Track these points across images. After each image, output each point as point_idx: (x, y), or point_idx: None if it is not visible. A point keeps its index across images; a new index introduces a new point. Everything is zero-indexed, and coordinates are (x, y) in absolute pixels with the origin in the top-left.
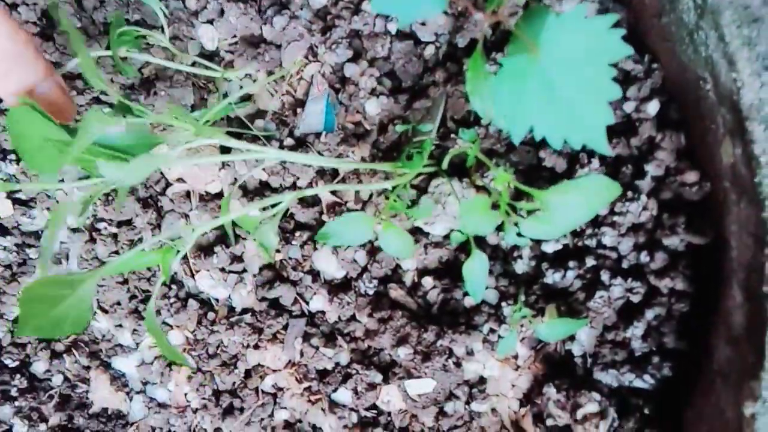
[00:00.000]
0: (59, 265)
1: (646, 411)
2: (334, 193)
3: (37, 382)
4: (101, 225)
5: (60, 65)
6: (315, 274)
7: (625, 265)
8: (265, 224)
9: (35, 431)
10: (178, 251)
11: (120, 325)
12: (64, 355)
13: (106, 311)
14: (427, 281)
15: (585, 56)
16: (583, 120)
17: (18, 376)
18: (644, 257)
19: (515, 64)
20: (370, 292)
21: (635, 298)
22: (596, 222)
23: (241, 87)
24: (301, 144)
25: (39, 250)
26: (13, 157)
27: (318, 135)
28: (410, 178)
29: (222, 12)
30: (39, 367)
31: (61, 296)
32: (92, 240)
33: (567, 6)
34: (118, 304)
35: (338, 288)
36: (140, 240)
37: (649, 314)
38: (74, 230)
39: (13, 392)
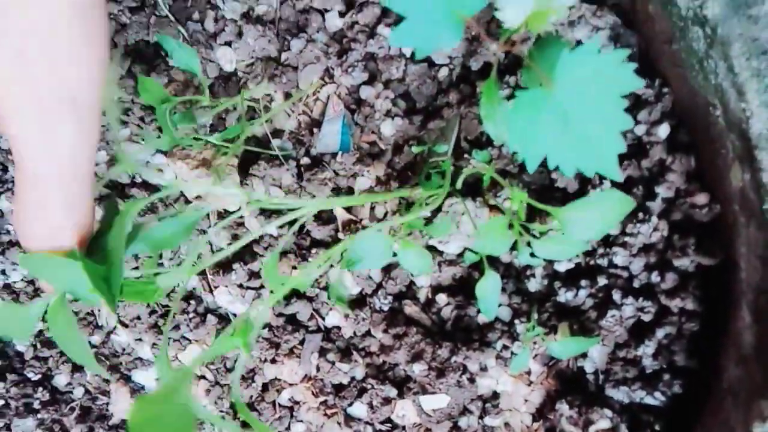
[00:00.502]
0: None
1: (656, 427)
2: (349, 210)
3: (59, 394)
4: None
5: None
6: (328, 288)
7: (636, 284)
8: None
9: None
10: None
11: (140, 339)
12: (86, 369)
13: (126, 326)
14: (441, 298)
15: (598, 89)
16: (595, 149)
17: (40, 389)
18: (655, 277)
19: (530, 96)
20: (385, 309)
21: (646, 317)
22: (608, 242)
23: (260, 108)
24: (318, 163)
25: None
26: None
27: (334, 155)
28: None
29: (240, 34)
30: (61, 380)
31: (164, 413)
32: None
33: (579, 33)
34: (138, 318)
35: (354, 304)
36: (159, 255)
37: (660, 333)
38: None
39: (36, 405)
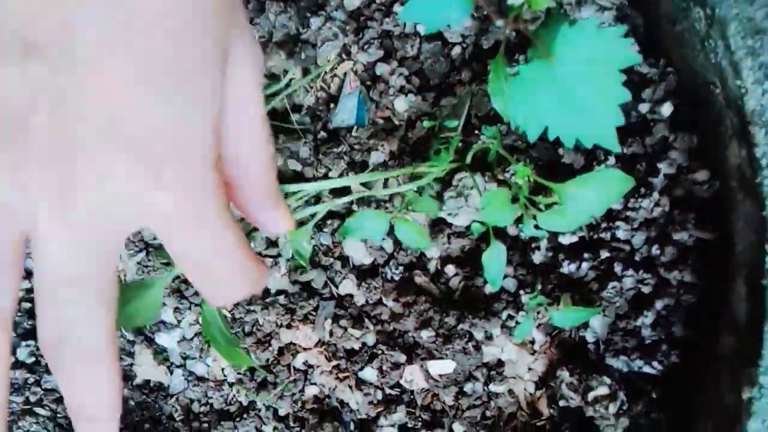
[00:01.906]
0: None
1: (654, 395)
2: (363, 184)
3: None
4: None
5: None
6: (344, 260)
7: (637, 257)
8: (299, 234)
9: None
10: None
11: (163, 304)
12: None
13: None
14: (450, 269)
15: (597, 63)
16: (594, 121)
17: None
18: (655, 250)
19: (531, 69)
20: (396, 278)
21: (646, 289)
22: (611, 216)
23: (284, 84)
24: (334, 137)
25: None
26: None
27: (350, 129)
28: (440, 174)
29: (262, 10)
30: None
31: (135, 296)
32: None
33: (586, 13)
34: None
35: (366, 273)
36: None
37: (659, 304)
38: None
39: None
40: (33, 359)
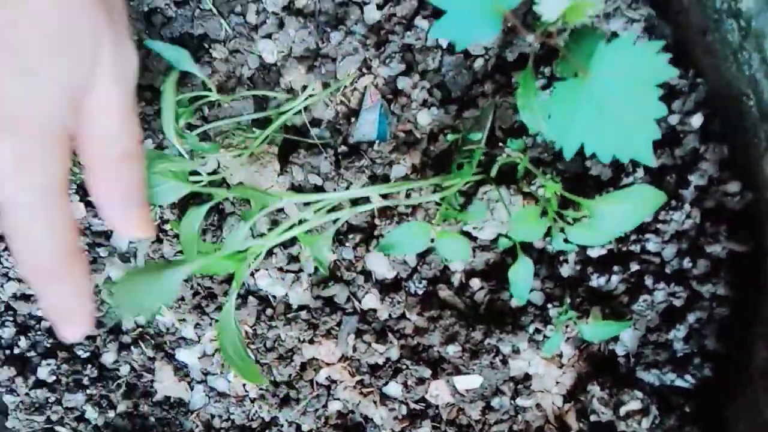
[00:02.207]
0: (128, 264)
1: (687, 409)
2: (385, 197)
3: (106, 371)
4: (167, 226)
5: None
6: (367, 275)
7: (668, 270)
8: (319, 240)
9: (105, 417)
10: (252, 257)
11: (183, 320)
12: (132, 347)
13: (170, 307)
14: (475, 283)
15: (633, 79)
16: (630, 136)
17: (89, 366)
18: (687, 263)
19: (567, 87)
20: (420, 292)
21: (678, 302)
22: (641, 229)
23: (303, 99)
24: (355, 151)
25: (108, 249)
26: None
27: (371, 143)
28: (460, 187)
29: (281, 26)
30: (108, 357)
31: (153, 280)
32: (159, 240)
33: (614, 25)
34: (182, 299)
35: (389, 288)
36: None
37: (691, 318)
38: None
39: (85, 381)
40: (54, 378)
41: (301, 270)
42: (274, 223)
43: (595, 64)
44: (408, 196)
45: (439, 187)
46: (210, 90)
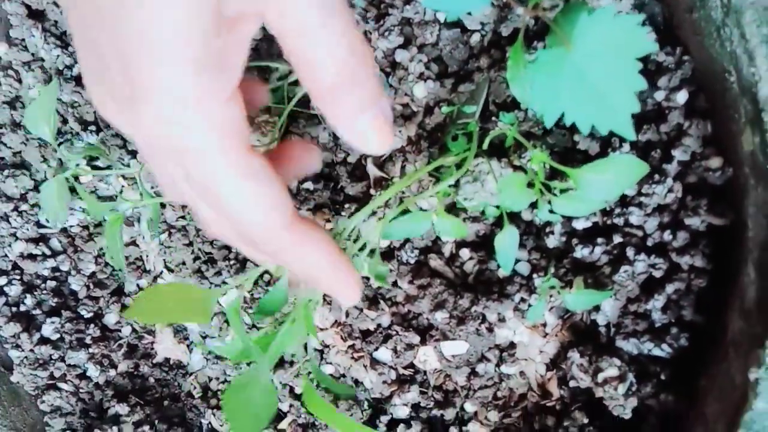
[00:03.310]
0: (131, 227)
1: (663, 377)
2: (380, 168)
3: (108, 332)
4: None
5: None
6: (362, 244)
7: (649, 242)
8: (377, 263)
9: (106, 375)
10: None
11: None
12: None
13: (171, 271)
14: (464, 253)
15: (614, 50)
16: (610, 108)
17: (92, 326)
18: (667, 236)
19: (550, 56)
20: (412, 261)
21: (657, 274)
22: (624, 202)
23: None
24: None
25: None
26: (93, 127)
27: None
28: (458, 160)
29: None
30: (111, 318)
31: (250, 396)
32: (162, 206)
33: (605, 1)
34: (183, 264)
35: (382, 256)
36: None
37: (670, 288)
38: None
39: (88, 340)
40: (57, 336)
41: None
42: None
43: (577, 35)
44: (403, 168)
45: (431, 157)
46: None
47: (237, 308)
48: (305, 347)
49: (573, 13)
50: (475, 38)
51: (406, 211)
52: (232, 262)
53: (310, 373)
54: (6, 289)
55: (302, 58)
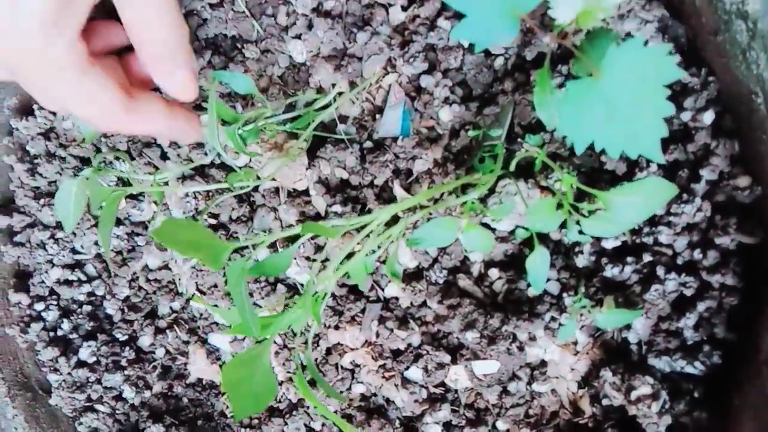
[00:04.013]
0: (164, 251)
1: (696, 395)
2: (407, 190)
3: (143, 354)
4: (200, 217)
5: None
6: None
7: (679, 261)
8: (394, 261)
9: (141, 397)
10: (324, 297)
11: (216, 306)
12: (167, 331)
13: (204, 293)
14: (493, 272)
15: (643, 79)
16: (639, 134)
17: (127, 348)
18: (697, 254)
19: (579, 85)
20: (440, 281)
21: (688, 292)
22: (653, 221)
23: (331, 97)
24: (379, 146)
25: (146, 238)
26: (125, 156)
27: (395, 139)
28: (485, 179)
29: (310, 27)
30: (145, 341)
31: (251, 374)
32: (194, 218)
33: (628, 26)
34: (215, 286)
35: (411, 277)
36: (235, 233)
37: (701, 307)
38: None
39: (123, 362)
40: (94, 359)
41: (327, 259)
42: (302, 215)
43: (607, 65)
44: (430, 189)
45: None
46: (266, 107)
47: (242, 273)
48: (336, 367)
49: (599, 40)
50: (499, 62)
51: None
52: (262, 284)
53: (341, 392)
54: (44, 314)
55: (132, 30)
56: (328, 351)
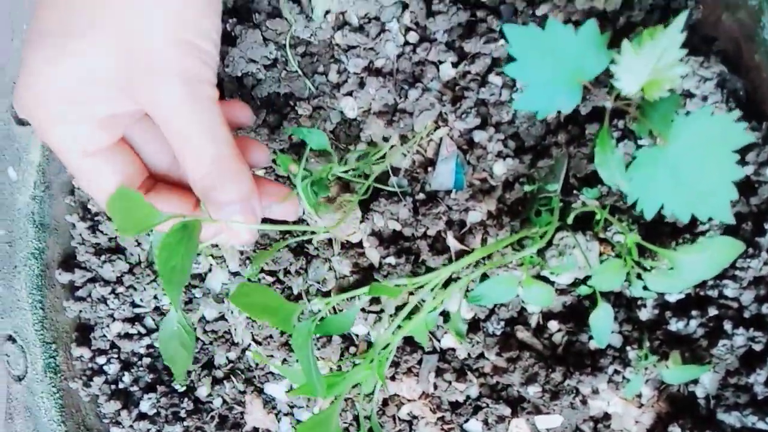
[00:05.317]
0: (221, 303)
1: None
2: (461, 241)
3: (200, 404)
4: (253, 268)
5: None
6: (446, 315)
7: (746, 315)
8: (457, 321)
9: None
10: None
11: (272, 356)
12: (224, 381)
13: (259, 343)
14: (553, 324)
15: (711, 146)
16: (708, 197)
17: (185, 399)
18: (765, 309)
19: (647, 154)
20: (498, 333)
21: (757, 347)
22: (718, 275)
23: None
24: (432, 199)
25: (203, 289)
26: None
27: (448, 192)
28: (542, 232)
29: (362, 84)
30: (202, 391)
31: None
32: (249, 281)
33: (687, 84)
34: (270, 337)
35: (468, 328)
36: (290, 288)
37: None
38: (234, 274)
39: (182, 413)
40: (154, 411)
41: (382, 310)
42: (356, 267)
43: (674, 134)
44: (484, 241)
45: (515, 233)
46: (334, 162)
47: (309, 335)
48: (394, 418)
49: (662, 104)
50: (552, 115)
51: (485, 276)
52: (318, 335)
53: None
54: (105, 367)
55: (178, 148)
56: (385, 402)
